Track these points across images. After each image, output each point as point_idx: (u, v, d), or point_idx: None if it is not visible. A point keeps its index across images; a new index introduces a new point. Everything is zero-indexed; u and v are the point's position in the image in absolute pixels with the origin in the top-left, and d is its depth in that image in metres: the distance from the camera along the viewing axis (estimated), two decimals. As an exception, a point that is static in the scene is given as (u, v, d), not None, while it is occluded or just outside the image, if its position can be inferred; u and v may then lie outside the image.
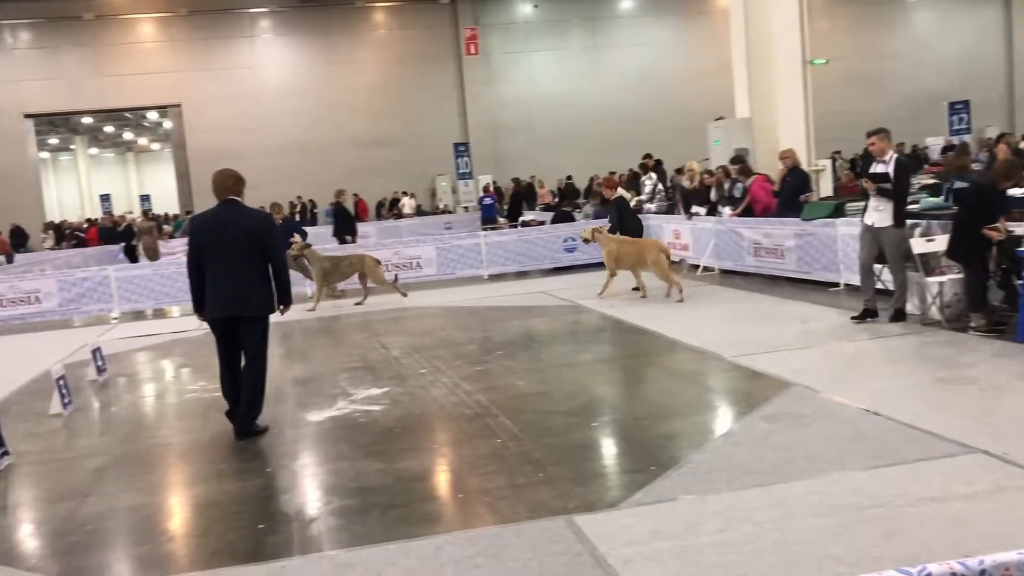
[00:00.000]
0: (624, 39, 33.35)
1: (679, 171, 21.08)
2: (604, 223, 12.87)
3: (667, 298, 11.30)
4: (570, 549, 3.99)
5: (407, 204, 29.91)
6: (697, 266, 13.95)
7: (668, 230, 15.40)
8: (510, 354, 8.84)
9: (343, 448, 5.99)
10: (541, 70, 33.00)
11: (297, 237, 13.92)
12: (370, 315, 12.32)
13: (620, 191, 13.38)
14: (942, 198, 10.10)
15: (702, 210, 14.51)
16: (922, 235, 8.60)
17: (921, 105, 30.94)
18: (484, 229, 20.33)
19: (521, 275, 15.75)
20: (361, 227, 27.85)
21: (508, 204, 24.74)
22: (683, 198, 15.77)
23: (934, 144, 25.93)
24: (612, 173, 18.62)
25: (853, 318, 8.58)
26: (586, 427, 6.07)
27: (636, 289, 11.89)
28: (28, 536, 4.93)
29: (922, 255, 8.26)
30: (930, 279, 8.23)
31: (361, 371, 8.50)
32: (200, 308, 6.49)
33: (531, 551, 3.99)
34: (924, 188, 11.81)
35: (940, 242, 8.23)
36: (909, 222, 8.79)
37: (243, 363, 6.43)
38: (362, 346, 9.91)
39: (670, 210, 16.63)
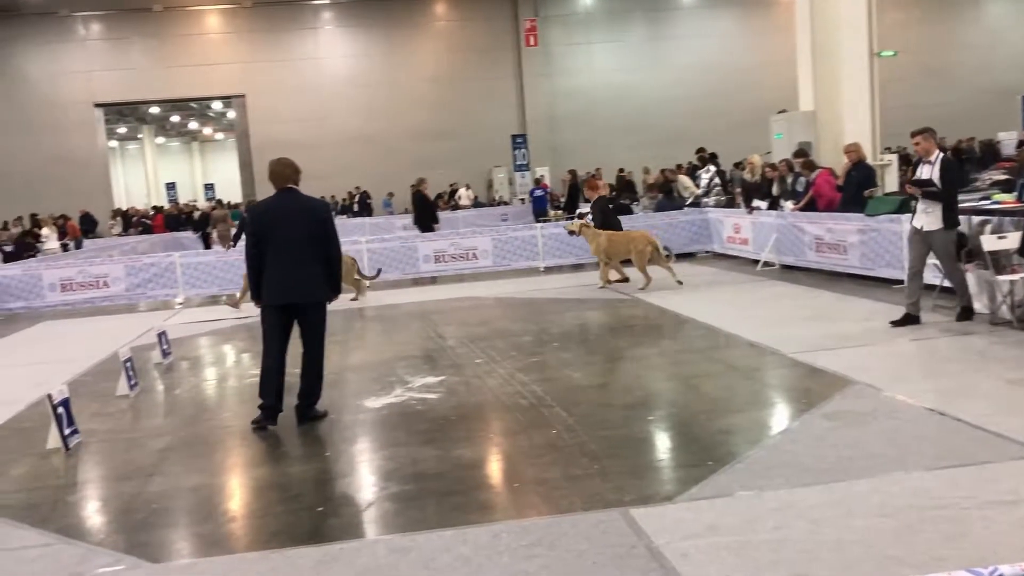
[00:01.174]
0: (686, 30, 32.97)
1: (737, 165, 20.83)
2: (588, 218, 13.57)
3: (640, 289, 12.19)
4: (625, 541, 3.97)
5: (464, 195, 30.02)
6: (757, 261, 13.76)
7: (728, 224, 15.23)
8: (565, 346, 8.84)
9: (400, 435, 6.06)
10: (600, 61, 32.79)
11: None
12: (425, 304, 12.41)
13: (602, 191, 14.42)
14: (1015, 194, 9.80)
15: (763, 204, 14.30)
16: (992, 232, 8.35)
17: (993, 99, 29.97)
18: (538, 222, 20.35)
19: (577, 267, 15.71)
20: (418, 218, 28.15)
21: (565, 196, 24.64)
22: (744, 192, 15.56)
23: (1007, 139, 25.16)
24: (597, 170, 18.48)
25: (892, 323, 8.24)
26: (642, 420, 6.04)
27: (624, 280, 12.72)
28: (96, 512, 5.08)
29: (992, 253, 8.03)
30: (1001, 277, 7.99)
31: (417, 359, 8.58)
32: (259, 297, 6.50)
33: (586, 542, 3.99)
34: (996, 184, 11.48)
35: (1012, 239, 7.98)
36: (977, 219, 8.55)
37: (303, 350, 6.50)
38: (418, 335, 10.00)
39: (729, 204, 16.42)
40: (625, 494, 4.58)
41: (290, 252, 6.29)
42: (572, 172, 24.75)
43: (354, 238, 16.54)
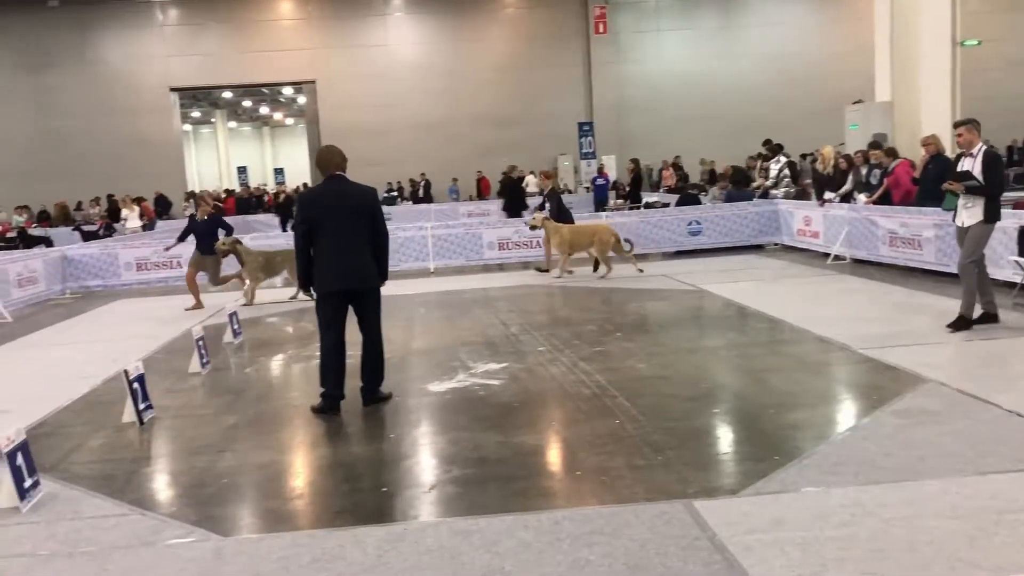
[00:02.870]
0: (758, 18, 32.34)
1: (803, 157, 20.40)
2: (568, 214, 14.19)
3: (594, 274, 13.32)
4: (688, 533, 3.95)
5: (531, 182, 30.00)
6: (827, 254, 13.48)
7: (798, 216, 14.94)
8: (629, 336, 8.79)
9: (463, 419, 6.10)
10: (670, 50, 32.38)
11: (223, 233, 12.65)
12: (489, 291, 12.46)
13: (553, 183, 15.31)
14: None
15: (835, 196, 13.99)
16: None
17: (1084, 92, 28.86)
18: (599, 211, 20.32)
19: (643, 257, 15.60)
20: (483, 205, 28.23)
21: (628, 186, 24.46)
22: (815, 184, 15.25)
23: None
24: (552, 169, 18.16)
25: (948, 326, 7.87)
26: (707, 413, 5.98)
27: (587, 270, 13.41)
28: (168, 485, 5.23)
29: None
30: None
31: (480, 346, 8.62)
32: (309, 284, 6.49)
33: (649, 532, 3.97)
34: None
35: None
36: None
37: (362, 336, 6.55)
38: (481, 322, 10.04)
39: (799, 196, 16.11)
40: (689, 486, 4.54)
41: (344, 239, 6.31)
42: (635, 161, 24.54)
43: (419, 224, 16.69)
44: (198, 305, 12.33)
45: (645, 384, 6.75)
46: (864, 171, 13.55)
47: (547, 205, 14.11)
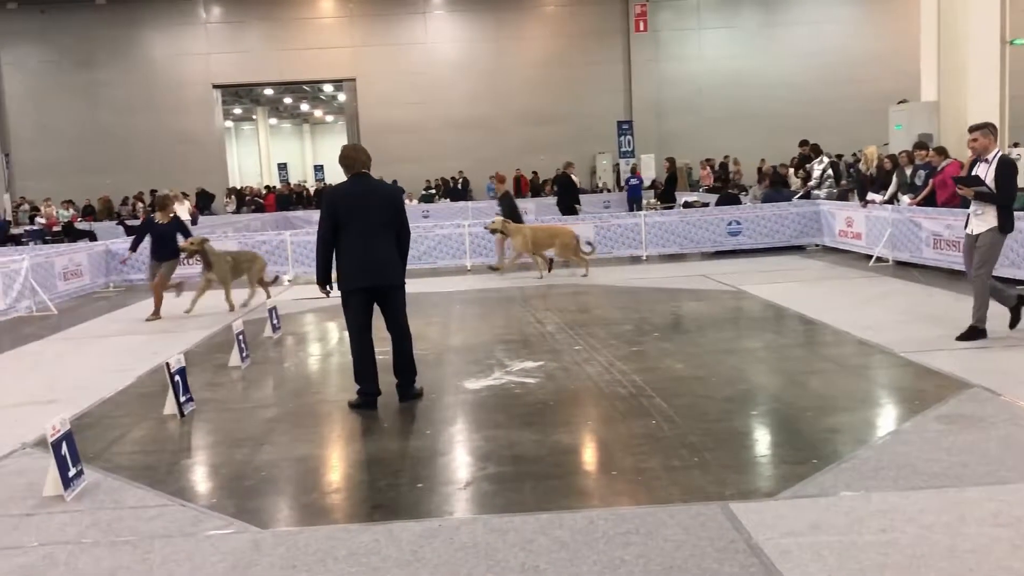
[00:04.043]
0: (802, 16, 31.95)
1: (839, 156, 20.10)
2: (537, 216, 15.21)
3: (573, 274, 13.63)
4: (724, 535, 3.92)
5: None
6: (870, 256, 13.30)
7: (840, 217, 14.76)
8: (667, 336, 8.74)
9: (498, 417, 6.11)
10: (711, 48, 32.13)
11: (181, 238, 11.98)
12: (525, 290, 12.46)
13: (507, 186, 16.35)
14: None
15: (878, 197, 13.79)
16: None
17: None
18: (631, 210, 20.38)
19: (680, 257, 15.52)
20: (521, 203, 28.26)
21: (663, 185, 24.31)
22: (858, 184, 15.05)
23: None
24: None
25: (958, 337, 7.60)
26: (745, 414, 5.93)
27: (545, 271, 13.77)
28: (208, 476, 5.31)
29: None
30: None
31: (516, 344, 8.62)
32: (326, 281, 6.47)
33: (684, 534, 3.95)
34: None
35: None
36: None
37: (391, 333, 6.56)
38: (518, 320, 10.04)
39: (841, 196, 15.90)
40: (725, 488, 4.51)
41: (370, 236, 6.33)
42: (670, 160, 24.37)
43: (456, 222, 16.74)
44: (154, 314, 11.44)
45: (682, 384, 6.71)
46: (909, 172, 13.34)
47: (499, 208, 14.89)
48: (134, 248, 12.15)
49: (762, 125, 30.23)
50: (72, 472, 4.91)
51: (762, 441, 5.48)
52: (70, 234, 23.26)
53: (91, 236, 22.52)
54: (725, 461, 4.94)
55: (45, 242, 21.94)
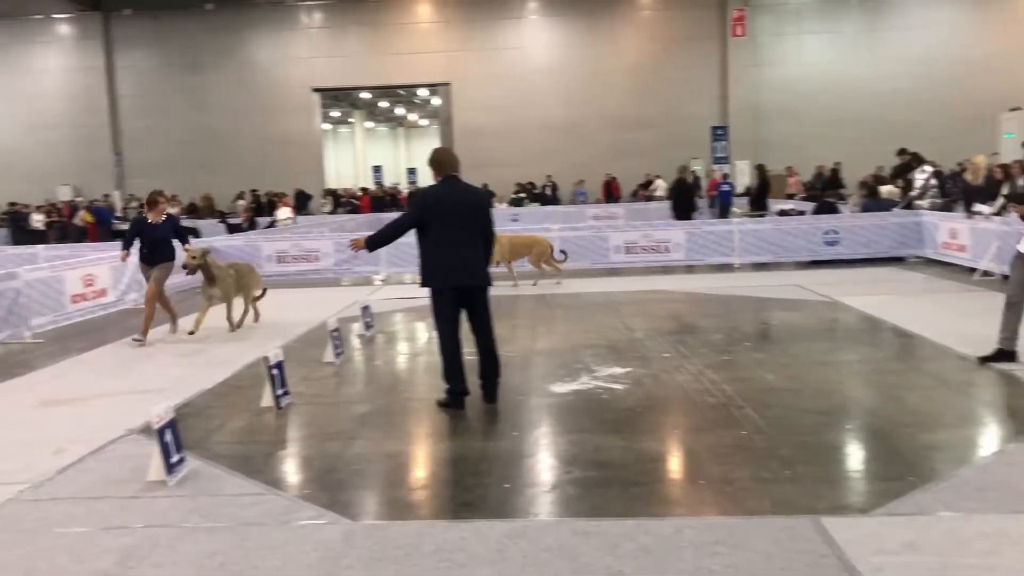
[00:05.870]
0: (908, 20, 30.89)
1: (934, 166, 19.34)
2: None
3: (555, 284, 13.76)
4: (815, 550, 3.84)
5: (659, 186, 29.68)
6: (974, 270, 12.79)
7: (944, 229, 14.23)
8: (759, 346, 8.60)
9: (585, 422, 6.11)
10: (811, 53, 31.35)
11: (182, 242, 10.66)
12: (614, 295, 12.41)
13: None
14: None
15: (986, 208, 13.24)
16: None
17: None
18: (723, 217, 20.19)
19: (774, 266, 15.22)
20: (610, 208, 28.16)
21: (754, 193, 23.82)
22: (964, 195, 14.48)
23: None
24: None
25: (981, 359, 7.21)
26: (839, 428, 5.79)
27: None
28: (302, 468, 5.47)
29: None
30: None
31: (604, 349, 8.60)
32: (371, 246, 6.68)
33: (773, 546, 3.88)
34: None
35: None
36: None
37: (477, 333, 6.61)
38: (606, 325, 10.01)
39: (946, 207, 15.33)
40: (817, 502, 4.42)
41: (460, 237, 6.40)
42: (760, 167, 23.89)
43: (545, 226, 16.78)
44: (173, 326, 10.57)
45: (774, 396, 6.59)
46: (1022, 182, 12.78)
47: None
48: (127, 247, 10.50)
49: (863, 132, 29.32)
50: (175, 459, 5.12)
51: (856, 456, 5.35)
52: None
53: (195, 233, 23.39)
54: (817, 474, 4.84)
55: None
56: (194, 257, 10.21)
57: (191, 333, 10.10)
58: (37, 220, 27.52)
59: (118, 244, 11.49)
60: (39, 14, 32.54)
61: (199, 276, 10.59)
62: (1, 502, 4.84)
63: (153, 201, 10.50)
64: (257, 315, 11.14)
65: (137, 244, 10.42)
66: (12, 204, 28.87)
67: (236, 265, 11.09)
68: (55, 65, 32.90)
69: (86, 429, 6.29)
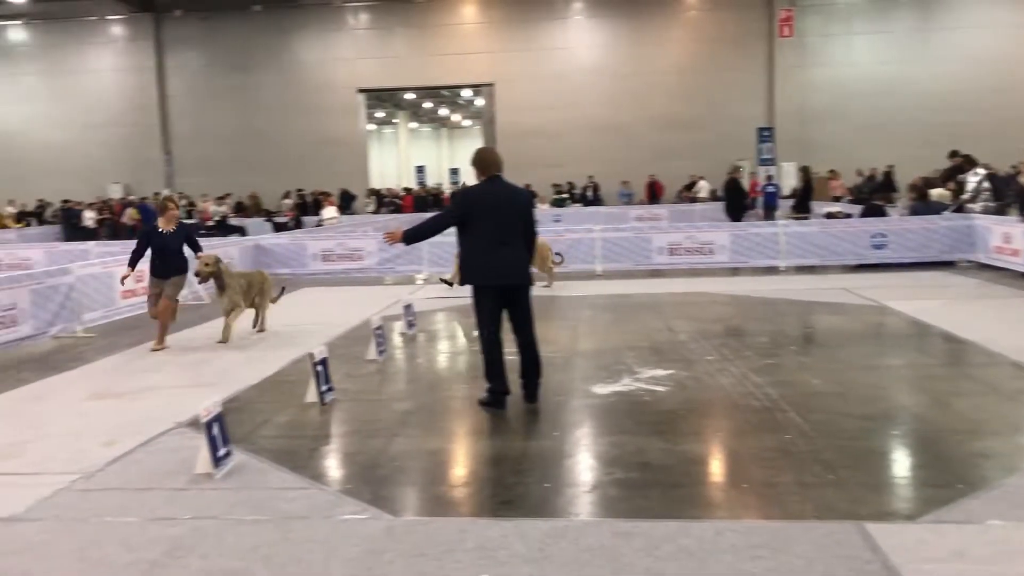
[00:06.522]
0: (960, 20, 30.29)
1: (986, 167, 18.92)
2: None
3: (543, 287, 12.98)
4: (859, 556, 3.79)
5: (703, 188, 29.45)
6: (1027, 275, 12.52)
7: (997, 233, 13.93)
8: (804, 350, 8.51)
9: (626, 423, 6.09)
10: (861, 54, 30.88)
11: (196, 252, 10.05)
12: (657, 297, 12.35)
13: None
14: None
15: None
16: None
17: None
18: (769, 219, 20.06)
19: (820, 269, 15.03)
20: (653, 209, 28.01)
21: (798, 195, 23.50)
22: (1019, 198, 14.17)
23: None
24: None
25: None
26: (885, 434, 5.71)
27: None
28: (345, 463, 5.53)
29: None
30: None
31: (647, 351, 8.56)
32: (409, 239, 6.69)
33: (816, 551, 3.84)
34: None
35: None
36: None
37: (519, 332, 6.60)
38: (649, 327, 9.97)
39: (999, 211, 15.00)
40: (861, 507, 4.36)
41: (503, 236, 6.42)
42: (804, 170, 23.57)
43: (587, 226, 16.76)
44: (160, 343, 9.52)
45: (818, 400, 6.51)
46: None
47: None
48: (132, 264, 9.63)
49: (913, 134, 28.84)
50: (222, 452, 5.21)
51: (902, 462, 5.27)
52: (222, 229, 24.61)
53: (241, 231, 23.77)
54: (862, 480, 4.77)
55: (199, 235, 23.25)
56: (207, 264, 9.65)
57: (221, 342, 9.60)
58: (89, 217, 28.14)
59: None
60: (93, 15, 33.28)
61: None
62: (54, 491, 4.96)
63: (163, 207, 9.88)
64: (263, 327, 10.42)
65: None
66: (65, 201, 29.56)
67: (248, 274, 10.52)
68: (108, 65, 33.62)
69: (136, 422, 6.43)
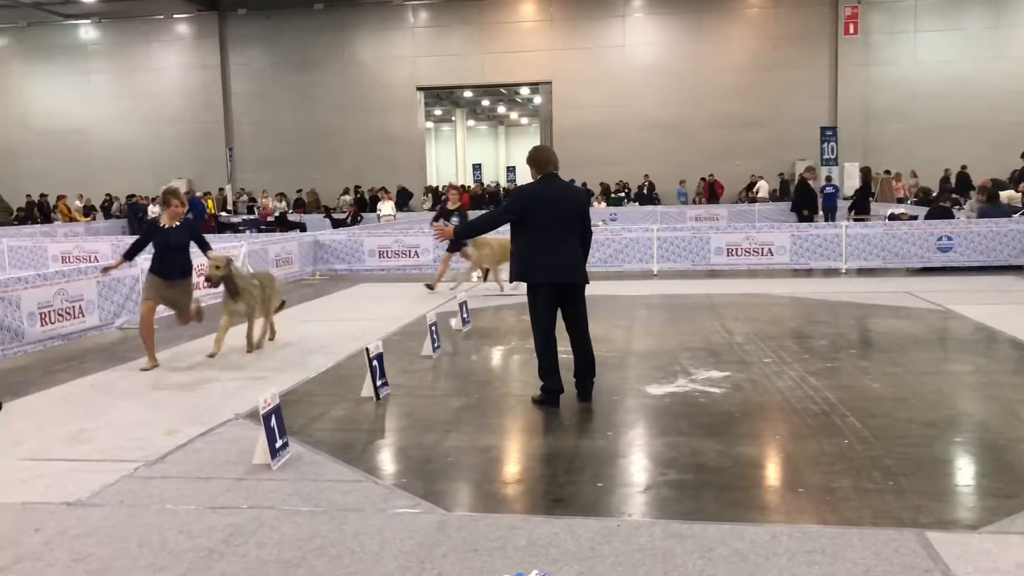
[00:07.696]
0: (1034, 18, 29.43)
1: None
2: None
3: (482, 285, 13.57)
4: (918, 564, 3.70)
5: (763, 187, 29.05)
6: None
7: (1067, 236, 13.49)
8: (864, 353, 8.33)
9: (681, 424, 6.04)
10: (927, 52, 30.16)
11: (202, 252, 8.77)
12: (714, 298, 12.22)
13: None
14: None
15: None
16: None
17: None
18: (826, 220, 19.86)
19: (882, 272, 14.72)
20: (712, 209, 27.71)
21: (856, 196, 23.03)
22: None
23: None
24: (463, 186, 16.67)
25: None
26: (948, 440, 5.57)
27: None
28: (399, 458, 5.57)
29: None
30: None
31: (703, 352, 8.48)
32: (462, 235, 6.86)
33: (874, 558, 3.77)
34: None
35: None
36: None
37: (573, 331, 6.61)
38: (705, 328, 9.87)
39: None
40: (922, 515, 4.26)
41: (561, 234, 6.43)
42: (865, 170, 23.11)
43: (644, 226, 16.65)
44: (151, 362, 8.47)
45: (879, 405, 6.38)
46: None
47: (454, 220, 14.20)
48: (130, 257, 8.95)
49: (983, 135, 28.09)
50: (279, 443, 5.30)
51: (966, 470, 5.13)
52: (282, 224, 25.03)
53: (301, 227, 24.14)
54: (923, 487, 4.66)
55: (260, 231, 23.71)
56: (218, 267, 8.59)
57: (211, 355, 8.60)
58: (153, 212, 28.80)
59: (224, 236, 11.09)
60: (160, 14, 34.09)
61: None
62: (117, 479, 5.10)
63: (166, 200, 8.61)
64: (273, 333, 9.65)
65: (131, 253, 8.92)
66: (131, 196, 30.34)
67: (259, 275, 9.69)
68: (174, 63, 34.42)
69: (196, 412, 6.58)
